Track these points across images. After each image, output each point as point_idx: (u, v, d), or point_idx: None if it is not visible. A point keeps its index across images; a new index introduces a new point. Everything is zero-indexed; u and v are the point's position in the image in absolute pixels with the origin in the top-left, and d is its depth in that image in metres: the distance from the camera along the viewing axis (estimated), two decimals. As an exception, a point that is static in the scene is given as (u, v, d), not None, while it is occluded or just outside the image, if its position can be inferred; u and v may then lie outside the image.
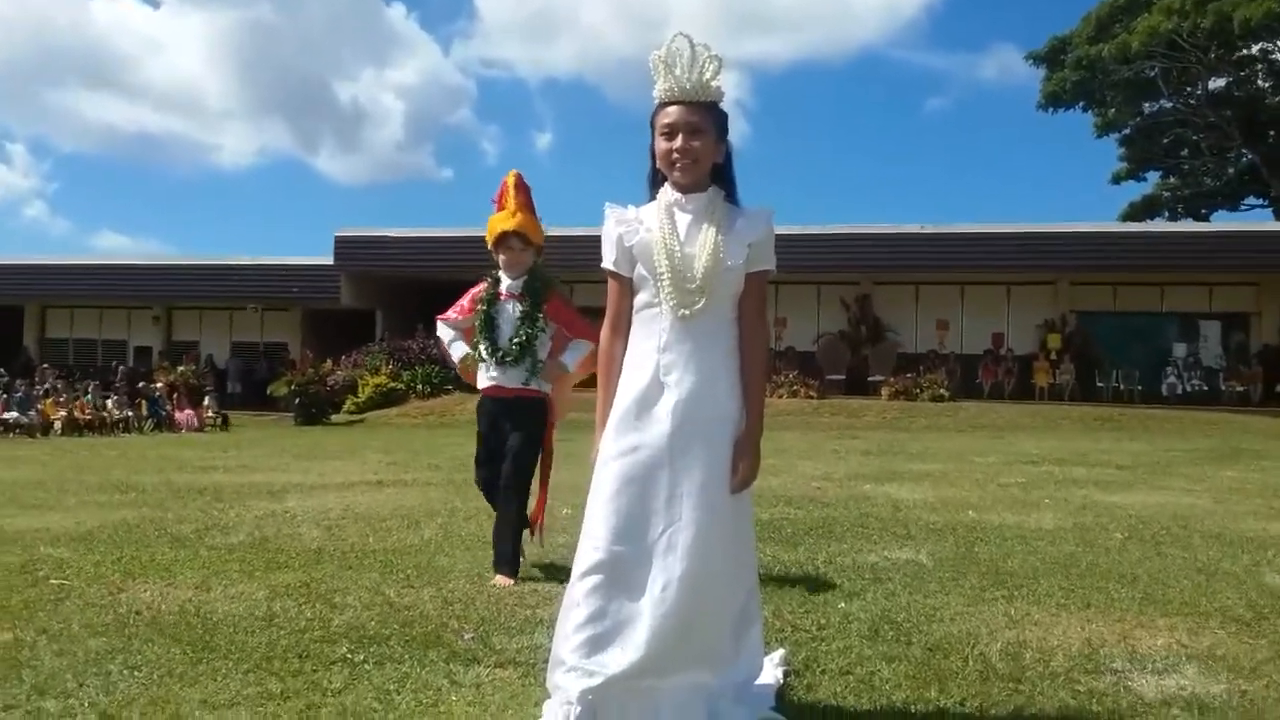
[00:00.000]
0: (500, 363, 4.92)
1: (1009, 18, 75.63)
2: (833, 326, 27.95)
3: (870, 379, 26.18)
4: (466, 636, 3.79)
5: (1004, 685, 3.27)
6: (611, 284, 2.93)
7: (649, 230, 2.83)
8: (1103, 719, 3.02)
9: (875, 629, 3.93)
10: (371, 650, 3.60)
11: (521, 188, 4.96)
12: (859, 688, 3.23)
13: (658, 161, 2.87)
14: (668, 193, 2.87)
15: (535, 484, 5.08)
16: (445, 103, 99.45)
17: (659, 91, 2.83)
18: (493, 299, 5.02)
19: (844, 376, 26.49)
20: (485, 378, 5.01)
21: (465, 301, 5.16)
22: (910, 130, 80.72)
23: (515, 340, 4.88)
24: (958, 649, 3.67)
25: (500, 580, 4.75)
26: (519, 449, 4.92)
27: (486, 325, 4.97)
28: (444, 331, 5.18)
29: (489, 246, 5.00)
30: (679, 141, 2.79)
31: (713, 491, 2.68)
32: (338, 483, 9.47)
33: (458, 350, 5.10)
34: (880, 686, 3.24)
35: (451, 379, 25.24)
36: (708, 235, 2.78)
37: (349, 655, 3.53)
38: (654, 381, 2.74)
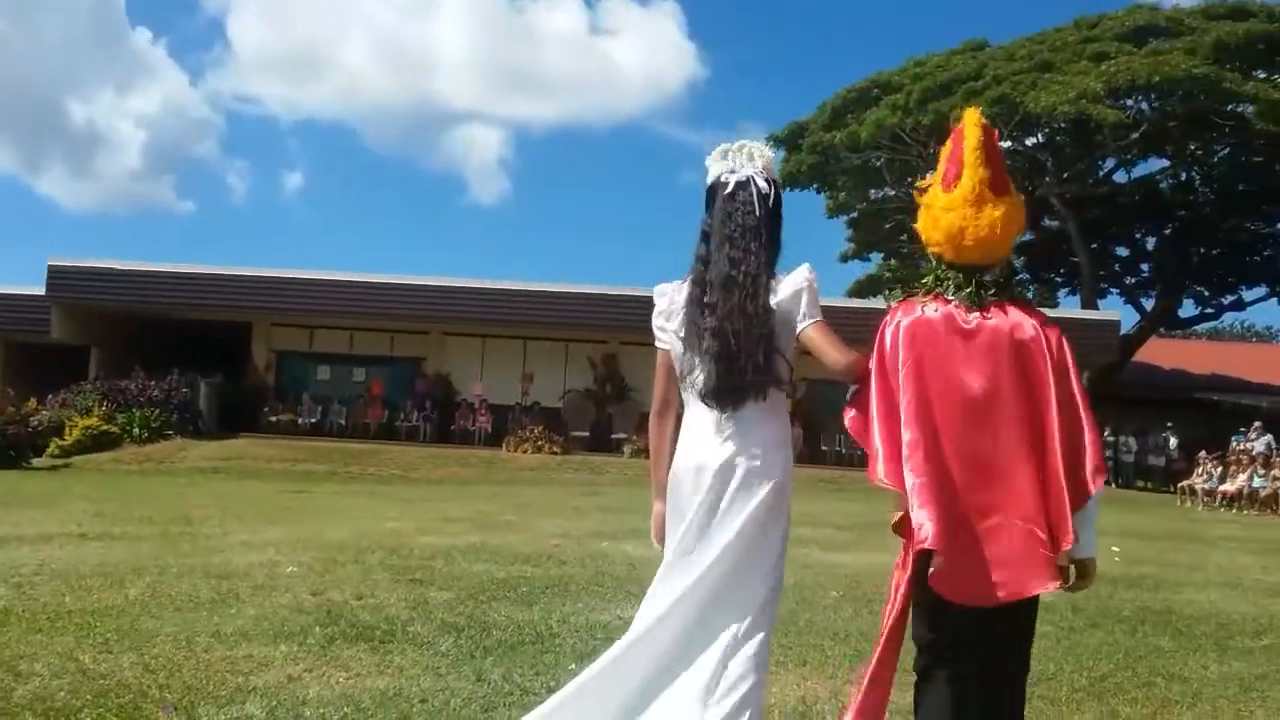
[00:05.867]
0: None
1: (760, 100, 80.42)
2: (579, 384, 28.29)
3: (614, 436, 26.63)
4: (168, 708, 3.52)
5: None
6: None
7: None
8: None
9: (603, 690, 3.93)
10: (57, 725, 3.27)
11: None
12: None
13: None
14: None
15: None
16: (190, 133, 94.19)
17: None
18: None
19: (588, 433, 26.83)
20: None
21: None
22: (664, 199, 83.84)
23: None
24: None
25: None
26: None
27: None
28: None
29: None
30: None
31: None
32: (33, 534, 8.60)
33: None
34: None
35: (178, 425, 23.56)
36: None
37: (29, 731, 3.19)
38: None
